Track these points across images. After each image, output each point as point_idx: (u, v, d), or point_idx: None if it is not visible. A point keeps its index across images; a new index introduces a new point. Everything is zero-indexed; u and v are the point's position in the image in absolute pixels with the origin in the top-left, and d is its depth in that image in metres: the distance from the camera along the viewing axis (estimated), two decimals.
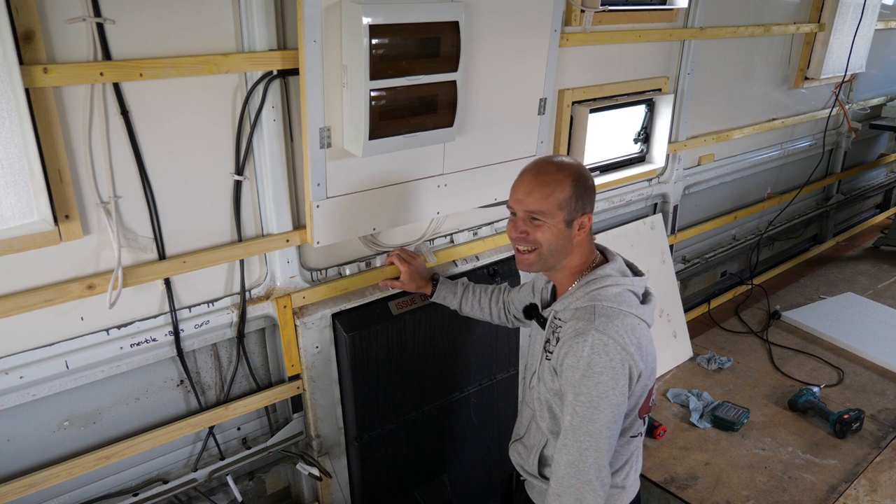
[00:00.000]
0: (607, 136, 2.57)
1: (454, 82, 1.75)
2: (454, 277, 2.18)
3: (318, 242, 1.81)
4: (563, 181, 1.46)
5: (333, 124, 1.70)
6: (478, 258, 2.32)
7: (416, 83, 1.68)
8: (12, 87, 1.26)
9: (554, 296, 1.66)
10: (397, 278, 2.03)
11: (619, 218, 2.92)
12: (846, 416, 2.63)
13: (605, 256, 1.58)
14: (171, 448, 1.89)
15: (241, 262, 1.79)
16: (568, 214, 1.47)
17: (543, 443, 1.62)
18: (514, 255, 2.39)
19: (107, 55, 1.42)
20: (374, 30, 1.54)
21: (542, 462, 1.65)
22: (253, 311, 1.85)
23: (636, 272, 1.58)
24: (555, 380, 1.50)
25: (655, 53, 2.69)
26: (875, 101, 4.35)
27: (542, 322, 1.60)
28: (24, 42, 1.30)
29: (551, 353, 1.51)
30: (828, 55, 3.46)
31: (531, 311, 1.67)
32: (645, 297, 1.54)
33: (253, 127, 1.68)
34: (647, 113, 2.70)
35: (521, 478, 1.79)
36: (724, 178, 3.43)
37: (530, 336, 1.74)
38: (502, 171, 2.13)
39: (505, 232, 2.37)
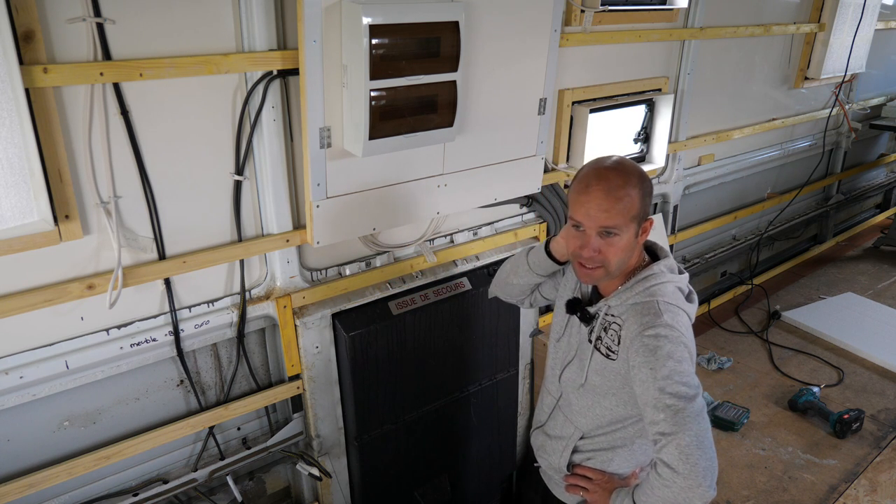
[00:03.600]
0: (607, 136, 2.57)
1: (454, 82, 1.75)
2: (454, 277, 2.18)
3: (318, 242, 1.81)
4: (632, 193, 1.40)
5: (333, 124, 1.70)
6: (478, 258, 2.32)
7: (416, 83, 1.68)
8: (12, 87, 1.26)
9: (596, 292, 1.60)
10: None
11: None
12: (846, 416, 2.63)
13: (654, 253, 1.56)
14: (171, 448, 1.89)
15: (241, 262, 1.79)
16: (638, 224, 1.43)
17: (578, 436, 1.60)
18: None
19: (107, 55, 1.42)
20: (374, 30, 1.54)
21: (574, 458, 1.62)
22: (253, 311, 1.85)
23: (680, 271, 1.56)
24: (618, 379, 1.47)
25: (655, 53, 2.69)
26: (875, 101, 4.35)
27: (587, 317, 1.55)
28: (24, 42, 1.30)
29: (614, 352, 1.47)
30: (828, 55, 3.46)
31: (575, 306, 1.59)
32: (689, 296, 1.52)
33: (253, 127, 1.68)
34: (646, 113, 2.70)
35: (536, 464, 1.77)
36: (724, 178, 3.43)
37: (554, 326, 1.69)
38: (502, 171, 2.13)
39: (505, 232, 2.38)
